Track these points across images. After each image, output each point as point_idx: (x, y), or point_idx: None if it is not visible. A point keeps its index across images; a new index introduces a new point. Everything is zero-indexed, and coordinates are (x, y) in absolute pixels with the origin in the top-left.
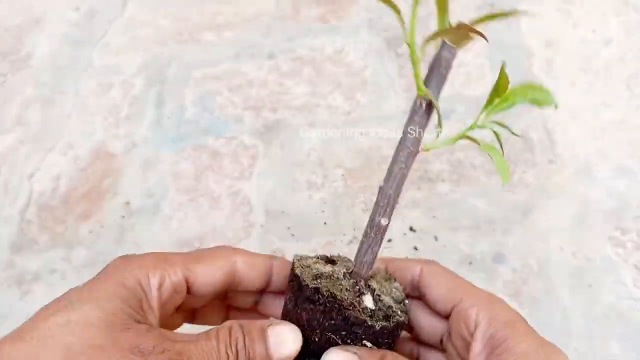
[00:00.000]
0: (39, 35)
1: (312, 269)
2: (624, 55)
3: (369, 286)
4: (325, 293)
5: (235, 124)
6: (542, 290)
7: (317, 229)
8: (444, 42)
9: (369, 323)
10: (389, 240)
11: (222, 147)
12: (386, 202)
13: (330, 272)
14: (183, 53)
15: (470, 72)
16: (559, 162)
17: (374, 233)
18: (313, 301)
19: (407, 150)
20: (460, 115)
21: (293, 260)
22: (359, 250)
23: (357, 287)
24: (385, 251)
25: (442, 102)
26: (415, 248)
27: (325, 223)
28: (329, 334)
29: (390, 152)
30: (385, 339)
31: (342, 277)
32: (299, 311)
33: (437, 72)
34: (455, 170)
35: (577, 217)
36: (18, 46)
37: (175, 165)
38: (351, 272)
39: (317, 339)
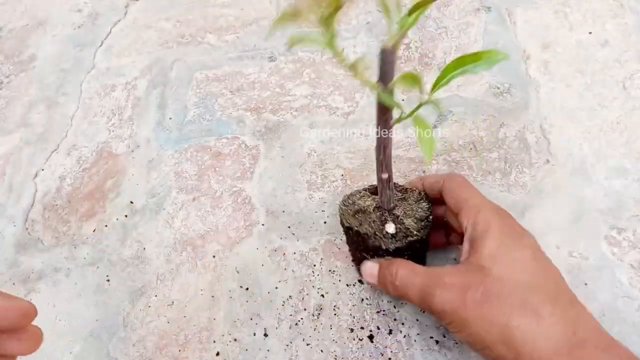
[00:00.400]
0: (42, 37)
1: (355, 205)
2: (620, 56)
3: (394, 214)
4: (355, 229)
5: (236, 125)
6: None
7: (317, 228)
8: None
9: (384, 247)
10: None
11: (223, 148)
12: (381, 162)
13: (366, 207)
14: (185, 55)
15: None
16: (555, 162)
17: (382, 184)
18: (350, 234)
19: (382, 127)
20: (459, 116)
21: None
22: (379, 195)
23: (383, 217)
24: None
25: (440, 103)
26: None
27: (325, 222)
28: (364, 253)
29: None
30: (404, 253)
31: (372, 211)
32: (346, 236)
33: (385, 68)
34: (452, 170)
35: (573, 216)
36: (22, 48)
37: (178, 166)
38: (379, 206)
39: (358, 255)
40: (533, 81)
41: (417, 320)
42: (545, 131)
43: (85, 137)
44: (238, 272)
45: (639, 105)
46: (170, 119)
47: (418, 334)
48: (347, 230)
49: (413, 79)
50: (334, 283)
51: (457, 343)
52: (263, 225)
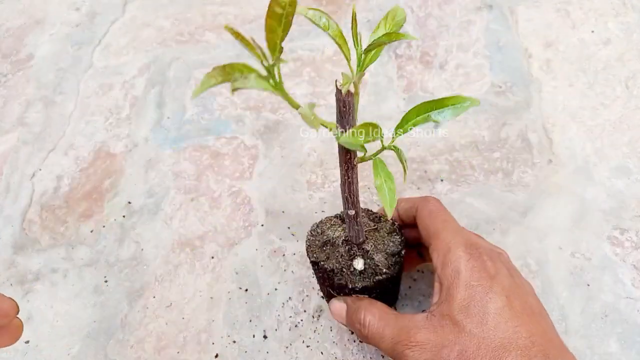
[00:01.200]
0: (40, 36)
1: (323, 235)
2: (623, 55)
3: (363, 249)
4: (321, 264)
5: (235, 124)
6: (541, 289)
7: None
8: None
9: (350, 286)
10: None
11: (222, 147)
12: (347, 199)
13: (334, 239)
14: (184, 54)
15: (469, 73)
16: (557, 162)
17: (349, 219)
18: (316, 269)
19: (344, 166)
20: (460, 116)
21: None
22: (347, 230)
23: (352, 252)
24: None
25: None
26: None
27: None
28: (329, 289)
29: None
30: (372, 292)
31: (340, 244)
32: (315, 272)
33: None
34: (454, 170)
35: (576, 216)
36: (19, 47)
37: (176, 165)
38: (347, 239)
39: (325, 290)
40: (535, 80)
41: None
42: (548, 130)
43: (83, 137)
44: (237, 273)
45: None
46: (169, 118)
47: None
48: (313, 264)
49: (373, 129)
50: None
51: None
52: (262, 225)
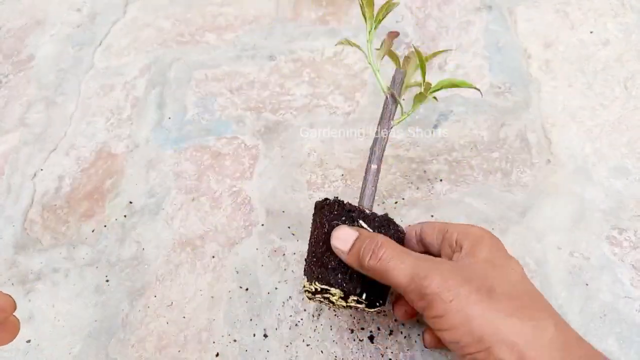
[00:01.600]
0: (41, 37)
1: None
2: (622, 56)
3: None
4: (332, 198)
5: (236, 124)
6: (540, 288)
7: None
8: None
9: (361, 208)
10: None
11: (223, 148)
12: (374, 153)
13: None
14: (184, 54)
15: (469, 74)
16: (556, 162)
17: (370, 175)
18: (323, 205)
19: (385, 122)
20: (460, 116)
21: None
22: (362, 187)
23: (353, 217)
24: None
25: (442, 103)
26: None
27: None
28: (335, 221)
29: (390, 151)
30: (376, 224)
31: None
32: (318, 219)
33: (396, 82)
34: (453, 170)
35: (574, 216)
36: (20, 47)
37: (177, 166)
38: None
39: (326, 224)
40: (534, 80)
41: (418, 320)
42: (547, 131)
43: (84, 137)
44: (237, 273)
45: None
46: (170, 118)
47: (419, 335)
48: (321, 205)
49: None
50: None
51: None
52: (263, 225)
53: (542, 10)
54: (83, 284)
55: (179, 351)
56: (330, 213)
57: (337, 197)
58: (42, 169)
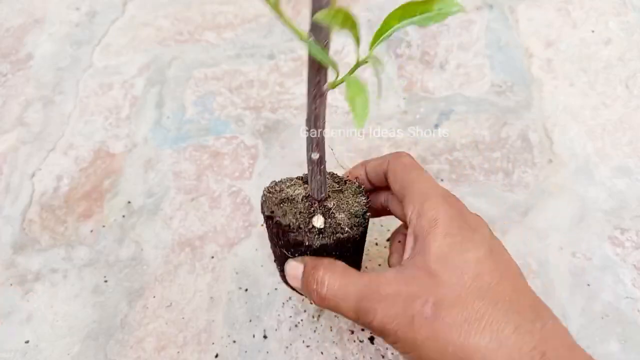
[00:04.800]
0: (39, 36)
1: (282, 193)
2: (623, 55)
3: (324, 206)
4: (276, 220)
5: (235, 124)
6: (542, 289)
7: None
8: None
9: (307, 243)
10: (388, 240)
11: (222, 147)
12: (312, 139)
13: (294, 196)
14: (183, 53)
15: (470, 73)
16: (558, 162)
17: (312, 165)
18: (270, 225)
19: (312, 93)
20: (461, 115)
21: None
22: (308, 180)
23: (312, 209)
24: (384, 250)
25: (442, 102)
26: None
27: None
28: (284, 249)
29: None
30: (332, 254)
31: (300, 200)
32: (269, 229)
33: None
34: (454, 170)
35: (576, 216)
36: (18, 46)
37: (176, 165)
38: (308, 195)
39: (278, 253)
40: (536, 80)
41: None
42: (548, 130)
43: (83, 136)
44: (237, 273)
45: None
46: (168, 117)
47: None
48: (267, 219)
49: (345, 19)
50: None
51: None
52: (262, 225)
53: (543, 9)
54: (81, 285)
55: (178, 352)
56: (278, 238)
57: (278, 220)
58: (40, 169)
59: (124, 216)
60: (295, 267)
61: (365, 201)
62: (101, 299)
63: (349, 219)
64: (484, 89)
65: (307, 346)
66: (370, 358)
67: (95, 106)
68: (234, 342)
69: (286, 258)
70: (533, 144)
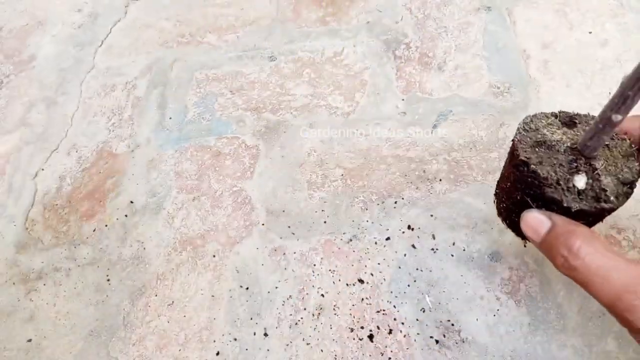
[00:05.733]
0: (42, 37)
1: (537, 134)
2: (620, 56)
3: (590, 164)
4: (531, 167)
5: (236, 124)
6: (539, 287)
7: (317, 228)
8: None
9: (565, 204)
10: (387, 239)
11: (223, 148)
12: (622, 98)
13: (553, 143)
14: (185, 55)
15: (468, 74)
16: None
17: (603, 125)
18: (520, 170)
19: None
20: (459, 116)
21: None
22: (587, 132)
23: (575, 165)
24: (383, 249)
25: (441, 103)
26: (413, 246)
27: (325, 222)
28: (528, 199)
29: (389, 151)
30: (584, 218)
31: (562, 150)
32: (510, 170)
33: None
34: (453, 170)
35: None
36: (21, 48)
37: (178, 165)
38: (574, 147)
39: (518, 197)
40: (533, 81)
41: (417, 320)
42: None
43: (85, 137)
44: (238, 272)
45: (639, 106)
46: (170, 118)
47: (418, 334)
48: (518, 166)
49: None
50: (333, 282)
51: (457, 343)
52: (263, 224)
53: (541, 11)
54: (84, 283)
55: (180, 350)
56: (526, 186)
57: (535, 169)
58: (43, 169)
59: (126, 215)
60: (540, 221)
61: (637, 168)
62: (103, 298)
63: (615, 185)
64: (482, 90)
65: (307, 344)
66: (370, 356)
67: (98, 107)
68: (235, 340)
69: (527, 206)
70: None
